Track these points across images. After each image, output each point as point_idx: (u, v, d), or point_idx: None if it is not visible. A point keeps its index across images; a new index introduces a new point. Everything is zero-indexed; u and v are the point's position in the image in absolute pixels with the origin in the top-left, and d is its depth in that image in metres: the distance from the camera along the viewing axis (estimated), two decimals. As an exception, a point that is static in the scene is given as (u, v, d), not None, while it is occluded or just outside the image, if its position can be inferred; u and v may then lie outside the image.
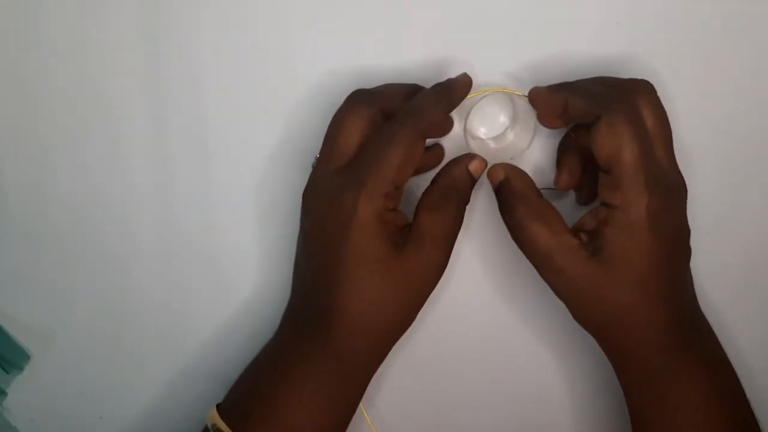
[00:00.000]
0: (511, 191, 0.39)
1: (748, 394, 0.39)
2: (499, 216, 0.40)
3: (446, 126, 0.43)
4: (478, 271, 0.45)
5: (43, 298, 0.46)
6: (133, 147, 0.45)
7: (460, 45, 0.43)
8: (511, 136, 0.43)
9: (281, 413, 0.38)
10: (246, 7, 0.44)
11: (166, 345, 0.46)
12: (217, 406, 0.39)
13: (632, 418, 0.40)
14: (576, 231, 0.38)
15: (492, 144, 0.43)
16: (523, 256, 0.39)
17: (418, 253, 0.38)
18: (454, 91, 0.39)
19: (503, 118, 0.43)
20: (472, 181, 0.40)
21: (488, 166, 0.40)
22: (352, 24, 0.44)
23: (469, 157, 0.40)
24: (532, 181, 0.40)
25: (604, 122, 0.36)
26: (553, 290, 0.39)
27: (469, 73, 0.40)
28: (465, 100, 0.40)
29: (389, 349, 0.40)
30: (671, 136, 0.38)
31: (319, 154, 0.39)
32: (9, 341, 0.46)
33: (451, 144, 0.44)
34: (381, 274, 0.37)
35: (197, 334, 0.46)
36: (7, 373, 0.46)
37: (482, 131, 0.43)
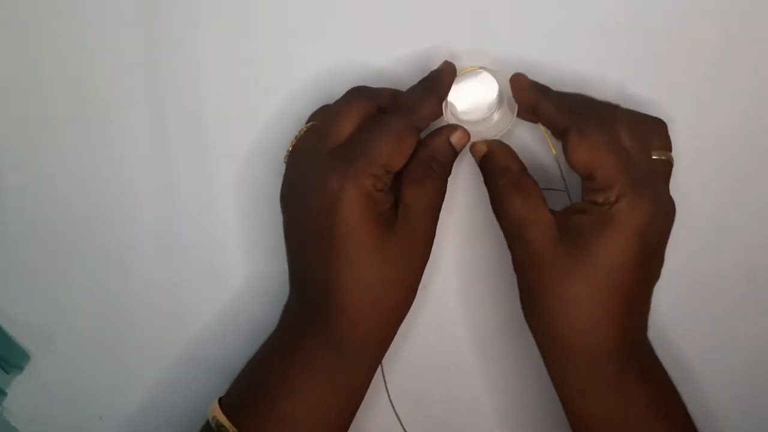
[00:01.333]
0: (494, 163, 0.40)
1: (752, 393, 0.39)
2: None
3: (437, 113, 0.42)
4: (486, 265, 0.45)
5: (43, 299, 0.46)
6: (132, 147, 0.45)
7: (459, 45, 0.43)
8: (495, 116, 0.42)
9: (283, 407, 0.37)
10: (246, 7, 0.44)
11: (166, 344, 0.46)
12: (219, 400, 0.39)
13: (572, 418, 0.39)
14: (552, 211, 0.38)
15: (476, 126, 0.42)
16: None
17: (406, 228, 0.38)
18: (441, 81, 0.40)
19: (487, 98, 0.42)
20: (454, 153, 0.40)
21: (472, 144, 0.41)
22: (351, 23, 0.44)
23: (451, 128, 0.40)
24: (515, 155, 0.40)
25: (574, 133, 0.37)
26: (513, 264, 0.39)
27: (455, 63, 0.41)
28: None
29: (392, 334, 0.39)
30: (660, 167, 0.38)
31: (306, 139, 0.39)
32: (9, 341, 0.46)
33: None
34: (373, 255, 0.37)
35: (198, 334, 0.46)
36: (7, 373, 0.46)
37: (464, 111, 0.42)
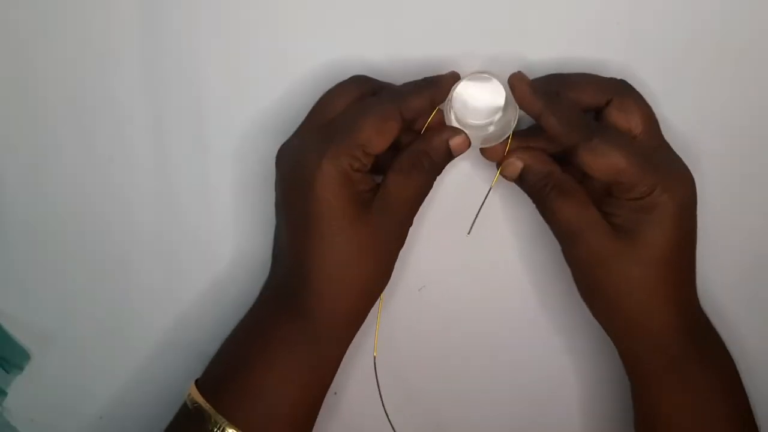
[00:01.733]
0: (534, 172, 0.40)
1: (750, 390, 0.40)
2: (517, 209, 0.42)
3: (425, 108, 0.41)
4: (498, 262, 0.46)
5: (43, 299, 0.46)
6: (132, 147, 0.45)
7: (458, 45, 0.43)
8: (498, 120, 0.42)
9: (256, 382, 0.38)
10: (245, 7, 0.44)
11: (166, 344, 0.46)
12: (196, 381, 0.39)
13: (638, 408, 0.40)
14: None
15: (480, 130, 0.42)
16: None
17: (383, 213, 0.38)
18: (438, 83, 0.40)
19: (491, 103, 0.42)
20: (449, 155, 0.40)
21: (481, 146, 0.41)
22: (352, 23, 0.44)
23: (454, 131, 0.40)
24: (549, 158, 0.40)
25: (583, 149, 0.37)
26: (569, 261, 0.40)
27: (463, 72, 0.41)
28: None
29: (364, 312, 0.40)
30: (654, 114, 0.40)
31: (305, 118, 0.40)
32: (9, 341, 0.46)
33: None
34: (347, 233, 0.37)
35: (200, 334, 0.46)
36: (8, 372, 0.46)
37: (468, 115, 0.42)
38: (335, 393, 0.45)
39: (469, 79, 0.41)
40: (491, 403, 0.46)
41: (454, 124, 0.41)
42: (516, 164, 0.40)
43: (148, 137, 0.45)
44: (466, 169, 0.44)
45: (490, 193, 0.42)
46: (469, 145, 0.40)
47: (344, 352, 0.40)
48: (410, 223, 0.40)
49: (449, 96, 0.41)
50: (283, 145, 0.40)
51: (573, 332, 0.45)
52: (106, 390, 0.46)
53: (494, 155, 0.41)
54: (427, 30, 0.44)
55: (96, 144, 0.45)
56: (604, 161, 0.37)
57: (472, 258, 0.45)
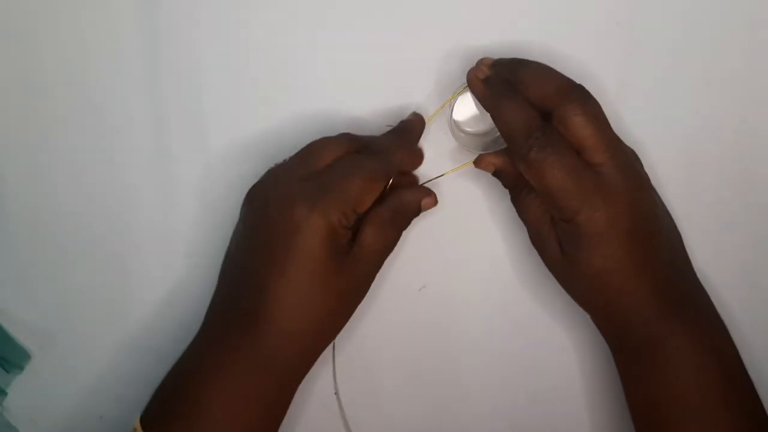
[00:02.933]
0: (504, 178, 0.42)
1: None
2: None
3: (416, 161, 0.44)
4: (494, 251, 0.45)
5: (43, 298, 0.46)
6: (132, 147, 0.45)
7: (458, 45, 0.43)
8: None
9: (204, 418, 0.38)
10: (245, 7, 0.44)
11: (166, 344, 0.46)
12: (142, 415, 0.39)
13: (626, 389, 0.41)
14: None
15: (482, 137, 0.43)
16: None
17: (356, 264, 0.39)
18: (411, 131, 0.43)
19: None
20: (418, 212, 0.42)
21: (478, 155, 0.42)
22: (353, 22, 0.44)
23: (424, 192, 0.43)
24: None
25: (519, 159, 0.38)
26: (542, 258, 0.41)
27: (463, 76, 0.41)
28: (452, 94, 0.42)
29: (317, 354, 0.41)
30: (601, 131, 0.38)
31: (289, 161, 0.40)
32: (9, 341, 0.46)
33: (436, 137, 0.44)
34: (319, 282, 0.38)
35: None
36: (8, 372, 0.46)
37: (468, 125, 0.43)
38: (335, 393, 0.45)
39: (467, 89, 0.41)
40: (491, 403, 0.46)
41: (457, 135, 0.42)
42: (489, 167, 0.42)
43: (149, 137, 0.45)
44: (467, 169, 0.44)
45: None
46: (436, 203, 0.43)
47: (294, 391, 0.40)
48: (375, 274, 0.41)
49: (450, 107, 0.42)
50: (257, 185, 0.40)
51: (573, 331, 0.45)
52: (106, 390, 0.46)
53: (486, 168, 0.43)
54: (427, 32, 0.44)
55: (96, 144, 0.45)
56: (535, 177, 0.38)
57: (472, 258, 0.45)
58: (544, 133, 0.38)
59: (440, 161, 0.44)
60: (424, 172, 0.44)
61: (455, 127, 0.42)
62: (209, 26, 0.44)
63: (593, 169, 0.38)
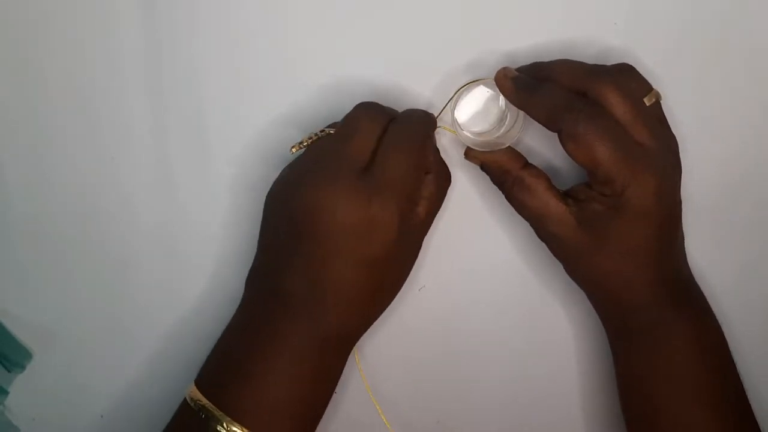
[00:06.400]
0: (492, 170, 0.42)
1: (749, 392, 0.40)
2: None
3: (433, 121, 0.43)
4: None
5: (44, 298, 0.46)
6: (133, 147, 0.45)
7: (458, 46, 0.44)
8: (505, 124, 0.42)
9: (261, 380, 0.38)
10: (245, 8, 0.44)
11: (167, 343, 0.46)
12: (196, 380, 0.39)
13: (620, 377, 0.41)
14: (566, 197, 0.40)
15: (489, 136, 0.43)
16: None
17: (409, 235, 0.40)
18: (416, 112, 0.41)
19: (492, 108, 0.43)
20: (428, 123, 0.41)
21: (466, 148, 0.42)
22: (352, 25, 0.44)
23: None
24: (513, 153, 0.42)
25: (565, 135, 0.38)
26: (549, 249, 0.41)
27: (466, 75, 0.42)
28: (455, 93, 0.42)
29: (374, 316, 0.41)
30: (652, 111, 0.39)
31: (326, 143, 0.39)
32: (11, 340, 0.46)
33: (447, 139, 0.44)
34: (381, 269, 0.38)
35: (200, 332, 0.46)
36: (9, 371, 0.46)
37: (473, 125, 0.43)
38: (335, 392, 0.45)
39: (466, 90, 0.42)
40: (491, 403, 0.46)
41: (464, 136, 0.42)
42: (475, 160, 0.42)
43: (150, 136, 0.45)
44: (467, 169, 0.44)
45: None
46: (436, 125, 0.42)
47: (349, 351, 0.41)
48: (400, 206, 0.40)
49: (454, 107, 0.42)
50: (301, 163, 0.39)
51: (573, 331, 0.45)
52: (108, 389, 0.46)
53: (473, 160, 0.43)
54: (427, 33, 0.44)
55: (97, 143, 0.45)
56: (583, 152, 0.38)
57: (472, 258, 0.45)
58: (588, 104, 0.38)
59: (446, 156, 0.44)
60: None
61: (462, 131, 0.42)
62: (209, 27, 0.44)
63: (640, 145, 0.38)
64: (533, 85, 0.40)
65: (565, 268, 0.42)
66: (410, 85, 0.44)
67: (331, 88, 0.44)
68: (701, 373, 0.39)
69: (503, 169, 0.41)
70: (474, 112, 0.43)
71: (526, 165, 0.41)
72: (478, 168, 0.43)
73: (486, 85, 0.42)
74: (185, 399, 0.39)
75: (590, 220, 0.39)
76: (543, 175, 0.41)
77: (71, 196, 0.45)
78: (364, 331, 0.41)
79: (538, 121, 0.40)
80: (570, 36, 0.43)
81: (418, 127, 0.40)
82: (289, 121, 0.44)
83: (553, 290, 0.45)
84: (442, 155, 0.44)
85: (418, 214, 0.40)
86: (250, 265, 0.45)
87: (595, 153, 0.37)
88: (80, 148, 0.45)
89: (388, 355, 0.43)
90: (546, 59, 0.42)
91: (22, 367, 0.46)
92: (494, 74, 0.41)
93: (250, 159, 0.45)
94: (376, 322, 0.41)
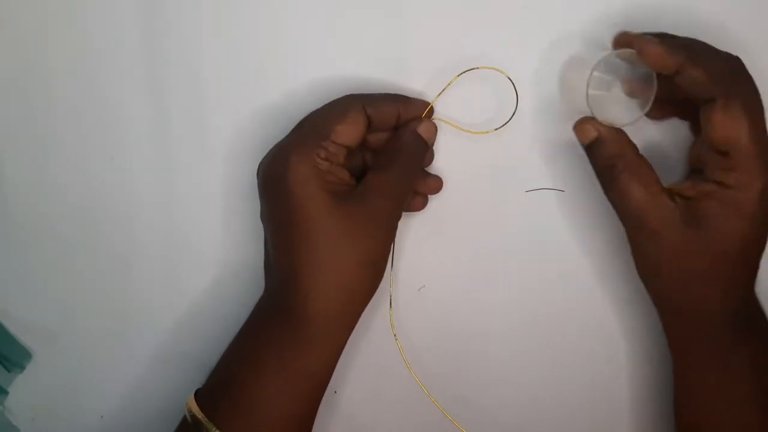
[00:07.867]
0: (606, 149, 0.38)
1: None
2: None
3: (391, 112, 0.41)
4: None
5: (45, 298, 0.46)
6: (133, 147, 0.45)
7: (458, 46, 0.44)
8: (650, 101, 0.39)
9: (252, 396, 0.38)
10: (246, 7, 0.44)
11: (167, 344, 0.46)
12: (196, 392, 0.40)
13: (681, 388, 0.40)
14: (671, 194, 0.38)
15: (630, 112, 0.40)
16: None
17: (362, 203, 0.38)
18: (409, 100, 0.41)
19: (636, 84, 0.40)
20: (423, 143, 0.40)
21: (581, 118, 0.39)
22: (351, 26, 0.44)
23: (417, 121, 0.41)
24: (628, 137, 0.39)
25: (722, 105, 0.35)
26: (635, 247, 0.39)
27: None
28: (603, 56, 0.39)
29: (355, 314, 0.40)
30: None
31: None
32: (11, 340, 0.46)
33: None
34: (326, 222, 0.37)
35: (201, 335, 0.46)
36: (9, 371, 0.46)
37: (614, 113, 0.39)
38: (335, 392, 0.45)
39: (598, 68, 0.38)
40: (491, 403, 0.46)
41: (596, 107, 0.39)
42: (590, 132, 0.39)
43: (149, 137, 0.45)
44: (467, 169, 0.44)
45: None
46: (436, 129, 0.41)
47: (339, 355, 0.40)
48: (396, 220, 0.40)
49: (586, 93, 0.38)
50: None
51: (573, 332, 0.45)
52: (107, 389, 0.46)
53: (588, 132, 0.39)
54: (427, 34, 0.44)
55: (97, 144, 0.45)
56: (731, 126, 0.35)
57: (472, 258, 0.45)
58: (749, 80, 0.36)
59: (446, 156, 0.44)
60: (436, 167, 0.44)
61: (594, 103, 0.39)
62: (209, 28, 0.44)
63: None
64: (688, 47, 0.37)
65: (643, 272, 0.39)
66: (408, 80, 0.44)
67: (335, 90, 0.44)
68: (759, 397, 0.37)
69: (618, 152, 0.38)
70: (608, 99, 0.40)
71: (638, 153, 0.38)
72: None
73: (609, 59, 0.39)
74: (185, 413, 0.39)
75: (700, 218, 0.36)
76: (653, 169, 0.38)
77: (71, 196, 0.45)
78: (348, 320, 0.39)
79: (692, 82, 0.36)
80: (569, 36, 0.43)
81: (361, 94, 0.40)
82: (291, 121, 0.44)
83: (554, 290, 0.45)
84: (442, 154, 0.44)
85: (349, 176, 0.39)
86: (250, 265, 0.45)
87: (743, 134, 0.35)
88: (80, 148, 0.45)
89: (387, 355, 0.43)
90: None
91: (22, 367, 0.46)
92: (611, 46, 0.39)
93: (251, 159, 0.45)
94: (375, 322, 0.41)
